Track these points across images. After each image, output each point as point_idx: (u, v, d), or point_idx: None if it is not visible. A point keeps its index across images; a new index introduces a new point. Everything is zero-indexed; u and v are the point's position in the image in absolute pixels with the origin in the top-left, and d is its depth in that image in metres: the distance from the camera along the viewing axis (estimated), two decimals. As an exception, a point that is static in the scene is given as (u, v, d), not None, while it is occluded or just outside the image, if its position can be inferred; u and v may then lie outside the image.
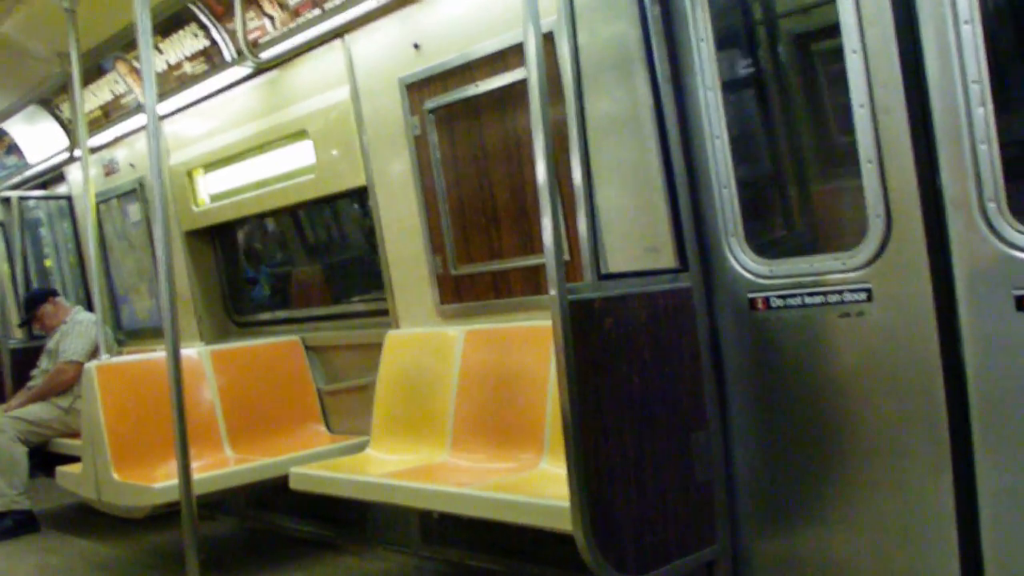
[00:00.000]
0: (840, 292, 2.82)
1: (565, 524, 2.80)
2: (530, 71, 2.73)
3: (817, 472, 2.95)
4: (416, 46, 4.20)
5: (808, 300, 2.90)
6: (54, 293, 6.95)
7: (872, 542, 2.82)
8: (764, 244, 3.11)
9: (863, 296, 2.76)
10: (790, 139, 3.39)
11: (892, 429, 2.74)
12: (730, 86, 3.17)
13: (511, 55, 3.79)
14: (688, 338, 3.08)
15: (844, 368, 2.86)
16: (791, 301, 2.94)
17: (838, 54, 2.76)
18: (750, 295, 3.04)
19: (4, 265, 7.96)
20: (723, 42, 3.16)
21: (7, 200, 7.75)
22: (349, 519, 5.02)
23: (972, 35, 2.47)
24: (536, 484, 3.48)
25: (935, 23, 2.53)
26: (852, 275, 2.79)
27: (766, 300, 3.00)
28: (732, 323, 3.11)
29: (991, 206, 2.47)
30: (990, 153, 2.46)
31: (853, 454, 2.85)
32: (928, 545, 2.69)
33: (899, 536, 2.75)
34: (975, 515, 2.57)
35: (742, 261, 3.07)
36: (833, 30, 2.77)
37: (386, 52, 4.36)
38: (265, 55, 4.85)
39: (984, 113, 2.46)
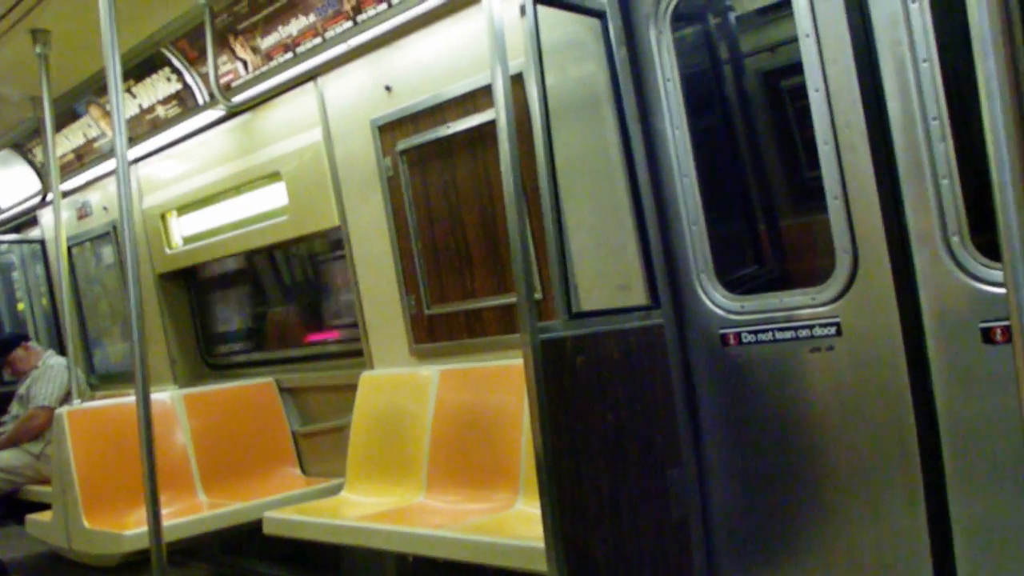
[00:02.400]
0: (810, 327, 2.84)
1: (541, 565, 2.78)
2: (499, 112, 2.75)
3: (791, 506, 2.94)
4: (388, 88, 4.23)
5: (779, 335, 2.92)
6: (26, 338, 6.87)
7: (847, 575, 2.81)
8: (734, 280, 3.13)
9: (832, 331, 2.78)
10: (758, 176, 3.43)
11: (865, 462, 2.75)
12: (697, 125, 3.21)
13: (481, 96, 3.83)
14: (661, 375, 3.08)
15: (816, 402, 2.87)
16: (762, 336, 2.96)
17: (803, 93, 2.80)
18: (722, 331, 3.05)
19: (-25, 310, 7.88)
20: (690, 82, 3.20)
21: (-21, 245, 7.70)
22: (324, 563, 4.95)
23: (931, 72, 2.52)
24: (512, 525, 3.45)
25: (894, 62, 2.59)
26: (822, 310, 2.81)
27: (737, 336, 3.02)
28: (704, 359, 3.11)
29: (955, 240, 2.51)
30: (952, 188, 2.50)
31: (827, 487, 2.85)
32: (904, 578, 2.68)
33: (874, 569, 2.75)
34: (949, 547, 2.57)
35: (713, 297, 3.09)
36: (797, 69, 2.82)
37: (358, 94, 4.39)
38: (238, 98, 4.86)
39: (945, 149, 2.51)
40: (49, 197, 6.49)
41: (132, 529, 4.15)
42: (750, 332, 2.99)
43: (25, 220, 7.67)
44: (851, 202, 2.71)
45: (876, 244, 2.67)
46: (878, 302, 2.67)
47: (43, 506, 5.24)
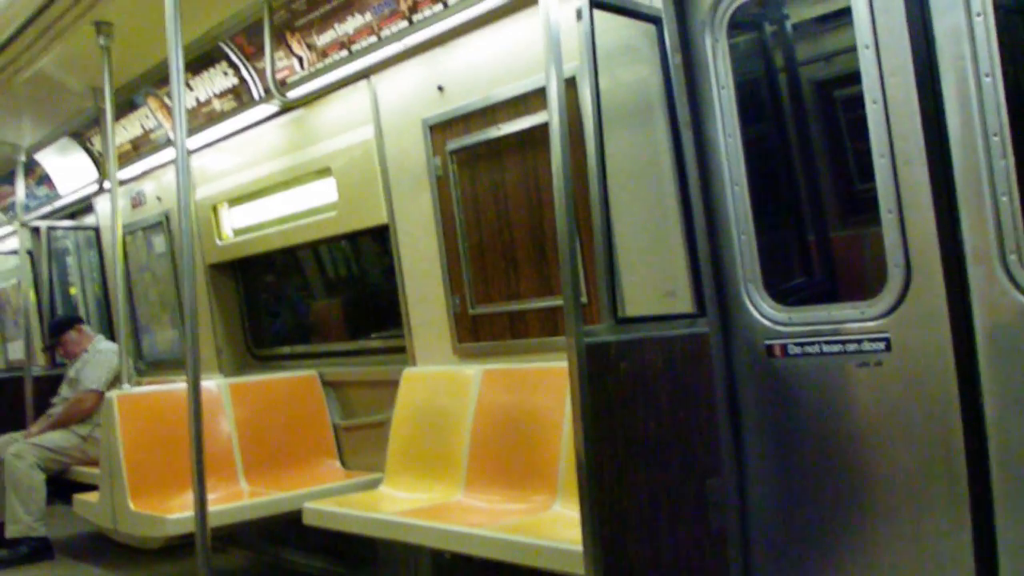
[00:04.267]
0: (859, 341, 2.80)
1: (577, 568, 2.78)
2: (552, 115, 2.76)
3: (832, 522, 2.91)
4: (440, 88, 4.26)
5: (826, 348, 2.88)
6: (79, 320, 7.02)
7: (888, 596, 2.78)
8: (782, 292, 3.10)
9: (882, 346, 2.75)
10: (809, 187, 3.40)
11: (910, 481, 2.71)
12: (750, 133, 3.19)
13: (533, 99, 3.84)
14: (704, 384, 3.07)
15: (862, 418, 2.84)
16: (809, 349, 2.93)
17: (859, 104, 2.77)
18: (767, 342, 3.03)
19: (31, 292, 8.07)
20: (744, 90, 3.18)
21: (36, 229, 7.88)
22: (361, 556, 4.99)
23: (993, 87, 2.47)
24: (549, 526, 3.46)
25: (956, 75, 2.54)
26: (871, 324, 2.77)
27: (783, 347, 2.99)
28: (749, 370, 3.09)
29: (1012, 258, 2.46)
30: (1011, 205, 2.45)
31: (870, 506, 2.81)
32: (946, 601, 2.64)
33: (916, 591, 2.71)
34: (995, 572, 2.52)
35: (760, 308, 3.06)
36: (854, 80, 2.79)
37: (410, 93, 4.43)
38: (292, 94, 4.93)
39: (1006, 166, 2.46)
40: (106, 185, 6.63)
41: (176, 513, 4.23)
42: (796, 344, 2.96)
43: (80, 207, 7.84)
44: (905, 216, 2.67)
45: (930, 259, 2.62)
46: (930, 318, 2.63)
47: (90, 487, 5.35)
